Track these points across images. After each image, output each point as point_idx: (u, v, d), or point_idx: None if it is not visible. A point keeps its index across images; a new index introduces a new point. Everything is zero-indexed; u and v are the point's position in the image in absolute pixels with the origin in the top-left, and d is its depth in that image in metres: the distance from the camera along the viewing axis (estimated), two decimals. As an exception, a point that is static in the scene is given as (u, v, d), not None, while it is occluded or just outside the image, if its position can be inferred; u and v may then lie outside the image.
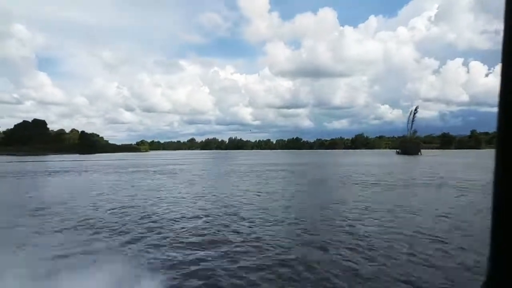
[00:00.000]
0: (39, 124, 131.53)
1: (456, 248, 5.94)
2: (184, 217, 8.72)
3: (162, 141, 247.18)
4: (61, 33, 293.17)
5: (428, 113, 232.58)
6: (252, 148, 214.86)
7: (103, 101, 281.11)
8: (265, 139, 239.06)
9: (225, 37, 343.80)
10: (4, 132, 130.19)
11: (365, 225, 7.74)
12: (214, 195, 12.80)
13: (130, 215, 9.06)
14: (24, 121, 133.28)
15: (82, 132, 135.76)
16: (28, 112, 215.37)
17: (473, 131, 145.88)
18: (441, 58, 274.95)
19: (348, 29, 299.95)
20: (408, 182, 16.87)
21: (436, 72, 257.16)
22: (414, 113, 76.48)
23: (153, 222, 8.22)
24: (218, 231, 7.28)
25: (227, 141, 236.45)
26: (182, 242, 6.44)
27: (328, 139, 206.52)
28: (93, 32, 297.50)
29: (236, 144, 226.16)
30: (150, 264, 5.28)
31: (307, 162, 41.06)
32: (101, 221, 8.37)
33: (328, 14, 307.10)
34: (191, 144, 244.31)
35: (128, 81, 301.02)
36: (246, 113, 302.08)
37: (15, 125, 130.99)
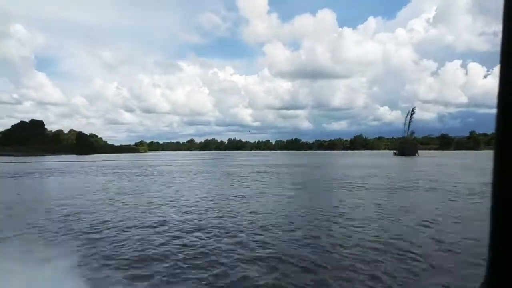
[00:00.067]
0: (37, 125, 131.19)
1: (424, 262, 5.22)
2: (136, 226, 7.87)
3: (161, 142, 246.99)
4: (61, 33, 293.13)
5: (427, 115, 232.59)
6: (251, 149, 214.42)
7: (103, 102, 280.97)
8: (264, 140, 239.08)
9: (224, 37, 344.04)
10: (1, 133, 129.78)
11: (331, 231, 6.99)
12: (186, 199, 12.01)
13: (78, 221, 8.28)
14: (21, 121, 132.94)
15: (80, 132, 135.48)
16: (28, 113, 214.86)
17: (471, 132, 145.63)
18: (439, 59, 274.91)
19: (347, 30, 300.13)
20: (396, 185, 16.20)
21: (434, 73, 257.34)
22: (411, 114, 76.42)
23: (96, 231, 7.36)
24: (162, 244, 6.40)
25: (226, 142, 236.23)
26: (113, 258, 5.53)
27: (327, 140, 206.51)
28: (93, 32, 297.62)
29: (235, 145, 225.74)
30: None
31: (300, 163, 40.64)
32: (41, 228, 7.62)
33: (327, 15, 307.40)
34: (190, 145, 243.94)
35: (127, 82, 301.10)
36: (245, 114, 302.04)
37: (12, 126, 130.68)
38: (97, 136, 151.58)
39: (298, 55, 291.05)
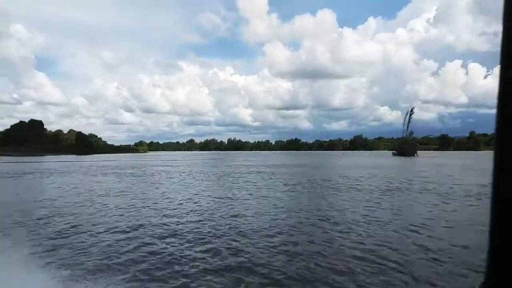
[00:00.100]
0: (36, 125, 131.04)
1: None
2: (108, 231, 7.40)
3: (161, 142, 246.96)
4: (61, 33, 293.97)
5: (427, 115, 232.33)
6: (251, 149, 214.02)
7: (103, 102, 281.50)
8: (264, 140, 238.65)
9: (224, 37, 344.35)
10: (1, 133, 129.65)
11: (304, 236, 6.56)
12: (170, 202, 11.56)
13: (48, 225, 7.84)
14: (21, 121, 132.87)
15: (79, 133, 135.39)
16: (28, 113, 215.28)
17: (471, 133, 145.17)
18: (440, 59, 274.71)
19: (347, 30, 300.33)
20: (389, 186, 15.59)
21: (435, 73, 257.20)
22: (410, 114, 76.00)
23: (63, 237, 6.91)
24: (128, 252, 5.90)
25: (226, 142, 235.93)
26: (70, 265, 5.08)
27: (327, 140, 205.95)
28: (93, 32, 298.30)
29: (235, 145, 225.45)
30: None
31: (297, 164, 40.12)
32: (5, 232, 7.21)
33: (327, 16, 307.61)
34: (190, 145, 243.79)
35: (127, 82, 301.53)
36: (245, 114, 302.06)
37: (11, 126, 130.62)
38: (96, 136, 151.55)
39: (298, 55, 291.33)
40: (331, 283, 4.67)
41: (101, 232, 7.37)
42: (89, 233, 7.32)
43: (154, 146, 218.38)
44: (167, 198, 12.66)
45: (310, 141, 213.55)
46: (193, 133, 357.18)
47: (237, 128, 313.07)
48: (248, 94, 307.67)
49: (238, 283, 4.66)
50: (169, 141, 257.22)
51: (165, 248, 6.22)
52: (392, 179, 20.02)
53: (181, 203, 11.34)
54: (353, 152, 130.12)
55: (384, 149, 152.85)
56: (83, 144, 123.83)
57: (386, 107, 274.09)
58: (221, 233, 7.26)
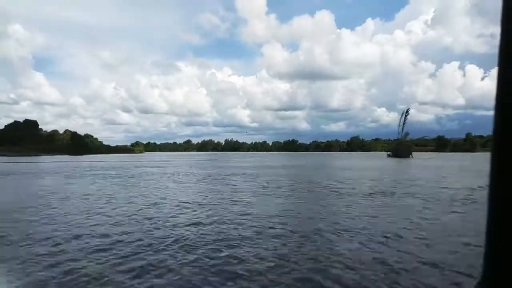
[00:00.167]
0: (31, 125, 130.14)
1: None
2: (43, 240, 6.67)
3: (158, 143, 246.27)
4: (61, 33, 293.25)
5: (424, 116, 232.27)
6: (248, 150, 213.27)
7: (101, 102, 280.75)
8: (261, 141, 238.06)
9: (223, 38, 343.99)
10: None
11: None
12: (133, 207, 10.82)
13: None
14: (15, 121, 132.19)
15: (74, 133, 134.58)
16: (25, 113, 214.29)
17: (468, 134, 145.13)
18: (437, 61, 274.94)
19: (345, 31, 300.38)
20: (374, 189, 14.85)
21: (432, 75, 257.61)
22: (406, 115, 75.41)
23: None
24: (51, 266, 5.13)
25: (223, 143, 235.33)
26: None
27: (324, 141, 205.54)
28: (93, 32, 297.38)
29: (232, 146, 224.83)
30: None
31: (290, 165, 39.37)
32: None
33: (325, 17, 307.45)
34: (187, 146, 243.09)
35: (125, 82, 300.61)
36: (243, 115, 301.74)
37: (6, 125, 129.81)
38: (92, 136, 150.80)
39: (297, 56, 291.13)
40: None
41: (35, 242, 6.64)
42: (23, 243, 6.65)
43: (151, 147, 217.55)
44: (131, 202, 11.87)
45: (308, 142, 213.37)
46: (190, 134, 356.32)
47: (235, 129, 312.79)
48: (246, 95, 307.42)
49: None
50: (166, 141, 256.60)
51: (87, 266, 5.58)
52: (380, 181, 19.40)
53: (141, 209, 10.50)
54: (349, 154, 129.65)
55: (381, 150, 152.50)
56: (79, 144, 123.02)
57: (384, 109, 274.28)
58: (163, 246, 6.60)
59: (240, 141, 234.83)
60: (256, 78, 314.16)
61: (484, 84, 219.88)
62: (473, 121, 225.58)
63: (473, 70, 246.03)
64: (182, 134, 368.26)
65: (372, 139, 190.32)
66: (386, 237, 7.11)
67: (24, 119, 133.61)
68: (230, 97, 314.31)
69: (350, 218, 9.10)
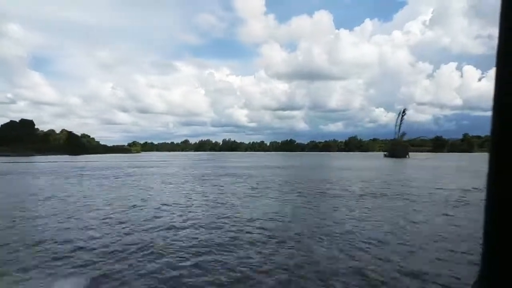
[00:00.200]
0: (27, 124, 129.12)
1: None
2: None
3: (156, 143, 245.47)
4: (61, 33, 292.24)
5: (422, 117, 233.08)
6: (245, 150, 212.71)
7: (98, 102, 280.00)
8: (259, 141, 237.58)
9: (221, 38, 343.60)
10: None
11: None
12: (110, 209, 10.37)
13: None
14: (11, 121, 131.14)
15: (70, 132, 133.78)
16: (22, 112, 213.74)
17: (465, 135, 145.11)
18: (435, 62, 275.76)
19: (343, 32, 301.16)
20: (364, 190, 14.35)
21: (430, 76, 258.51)
22: (402, 116, 75.17)
23: None
24: None
25: (221, 143, 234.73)
26: None
27: (322, 141, 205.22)
28: (93, 32, 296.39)
29: (230, 146, 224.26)
30: None
31: (284, 165, 38.75)
32: None
33: (323, 17, 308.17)
34: (184, 146, 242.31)
35: (123, 82, 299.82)
36: (241, 115, 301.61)
37: (2, 125, 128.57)
38: (89, 136, 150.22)
39: (295, 56, 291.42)
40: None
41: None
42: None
43: (148, 147, 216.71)
44: (109, 204, 11.45)
45: (306, 142, 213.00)
46: (188, 134, 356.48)
47: (233, 129, 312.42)
48: (244, 95, 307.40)
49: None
50: (164, 141, 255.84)
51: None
52: (372, 182, 18.98)
53: (117, 212, 10.14)
54: (347, 154, 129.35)
55: (379, 150, 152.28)
56: (75, 144, 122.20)
57: (382, 109, 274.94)
58: (129, 253, 6.16)
59: (238, 141, 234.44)
60: (254, 78, 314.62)
61: (482, 85, 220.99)
62: (470, 122, 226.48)
63: (471, 71, 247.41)
64: (179, 134, 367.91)
65: (370, 139, 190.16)
66: (368, 243, 6.69)
67: (20, 119, 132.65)
68: (228, 97, 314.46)
69: (335, 222, 8.68)
